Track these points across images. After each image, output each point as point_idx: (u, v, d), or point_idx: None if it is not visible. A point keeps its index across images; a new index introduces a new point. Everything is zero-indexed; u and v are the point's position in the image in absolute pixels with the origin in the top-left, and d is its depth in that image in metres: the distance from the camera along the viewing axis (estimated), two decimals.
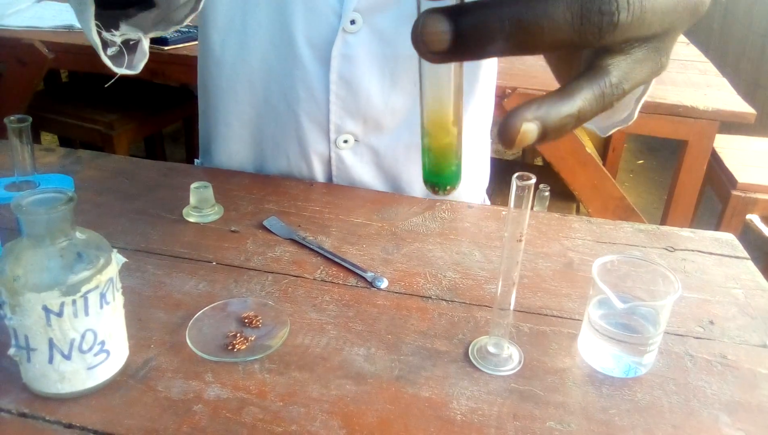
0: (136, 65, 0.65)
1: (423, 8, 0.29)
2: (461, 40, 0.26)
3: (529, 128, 0.28)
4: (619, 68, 0.29)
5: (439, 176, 0.40)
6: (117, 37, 0.57)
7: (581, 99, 0.28)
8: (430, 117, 0.39)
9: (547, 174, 2.25)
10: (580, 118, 0.29)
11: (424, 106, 0.39)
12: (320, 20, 0.71)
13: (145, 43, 0.64)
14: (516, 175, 0.45)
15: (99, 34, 0.57)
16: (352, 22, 0.70)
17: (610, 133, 0.64)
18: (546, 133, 0.29)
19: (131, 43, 0.62)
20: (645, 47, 0.29)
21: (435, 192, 0.41)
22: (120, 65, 0.60)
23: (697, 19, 0.30)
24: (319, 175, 0.80)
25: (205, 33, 0.78)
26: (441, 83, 0.37)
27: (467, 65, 0.41)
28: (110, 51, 0.58)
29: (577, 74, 0.29)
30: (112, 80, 0.73)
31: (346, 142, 0.77)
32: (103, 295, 0.45)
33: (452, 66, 0.35)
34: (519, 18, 0.26)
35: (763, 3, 2.78)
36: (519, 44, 0.26)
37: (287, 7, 0.71)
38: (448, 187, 0.41)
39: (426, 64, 0.36)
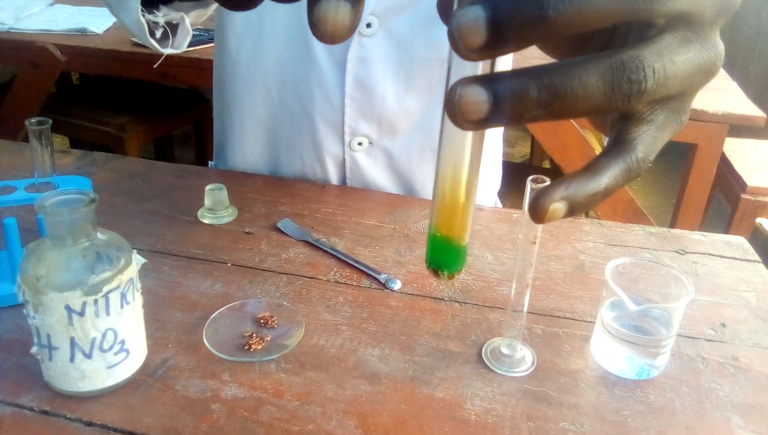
0: (180, 45, 0.68)
1: (453, 74, 0.29)
2: (498, 108, 0.27)
3: (557, 208, 0.29)
4: (644, 141, 0.30)
5: (444, 263, 0.40)
6: (160, 18, 0.60)
7: (608, 177, 0.29)
8: (442, 205, 0.39)
9: (555, 176, 2.25)
10: (606, 194, 0.30)
11: (437, 195, 0.38)
12: None
13: (188, 21, 0.67)
14: (530, 178, 0.45)
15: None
16: (368, 25, 0.71)
17: None
18: (573, 210, 0.30)
19: (174, 23, 0.64)
20: (666, 109, 0.30)
21: (437, 276, 0.41)
22: (165, 46, 0.63)
23: (711, 79, 0.31)
24: (333, 176, 0.81)
25: (221, 35, 0.79)
26: (457, 171, 0.37)
27: None
28: (157, 33, 0.61)
29: (604, 151, 0.30)
30: (159, 61, 0.78)
31: (360, 144, 0.78)
32: (123, 295, 0.46)
33: (471, 150, 0.36)
34: (555, 86, 0.26)
35: None
36: (554, 112, 0.27)
37: (304, 10, 0.72)
38: (452, 274, 0.41)
39: (446, 148, 0.37)
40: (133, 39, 1.74)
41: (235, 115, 0.81)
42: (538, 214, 0.29)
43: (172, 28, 0.66)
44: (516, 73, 0.27)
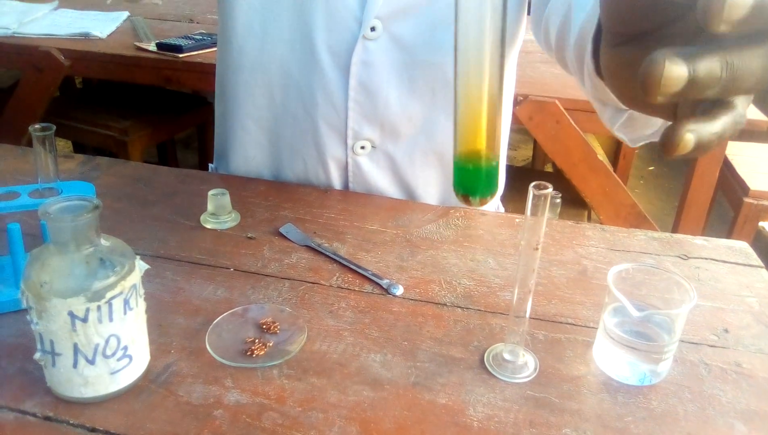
0: None
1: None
2: (692, 84, 0.30)
3: (689, 138, 0.32)
4: (742, 103, 0.34)
5: (473, 187, 0.39)
6: None
7: (723, 123, 0.33)
8: (465, 121, 0.38)
9: (558, 181, 2.25)
10: (720, 138, 0.33)
11: (457, 105, 0.38)
12: (341, 27, 0.72)
13: None
14: (533, 184, 0.45)
15: None
16: (372, 29, 0.71)
17: (640, 144, 0.65)
18: (698, 147, 0.33)
19: None
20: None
21: (467, 202, 0.40)
22: None
23: None
24: (336, 180, 0.81)
25: (224, 38, 0.79)
26: (480, 80, 0.37)
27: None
28: None
29: (711, 105, 0.34)
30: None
31: (363, 148, 0.78)
32: (126, 301, 0.46)
33: (491, 56, 0.36)
34: (736, 67, 0.30)
35: None
36: (727, 90, 0.31)
37: (308, 14, 0.72)
38: (483, 198, 0.40)
39: (464, 57, 0.36)
40: (137, 44, 1.75)
41: (238, 118, 0.81)
42: (673, 142, 0.32)
43: None
44: (707, 52, 0.30)
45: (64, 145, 2.80)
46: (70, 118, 2.01)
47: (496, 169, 0.40)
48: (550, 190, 0.45)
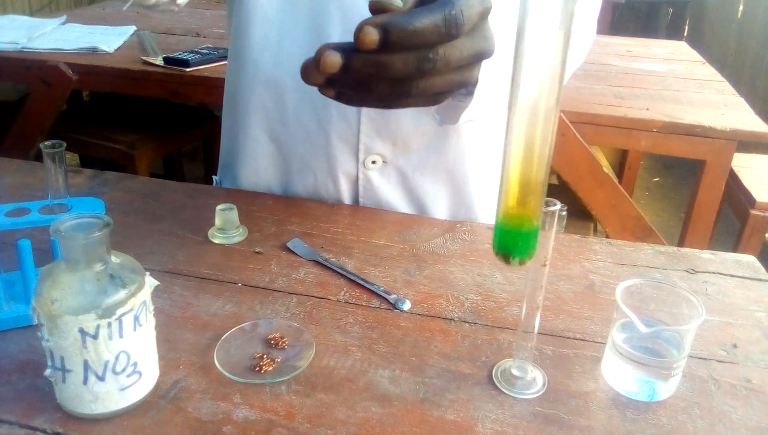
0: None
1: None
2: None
3: (369, 31, 0.40)
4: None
5: (514, 248, 0.42)
6: None
7: (420, 21, 0.42)
8: (511, 185, 0.41)
9: (563, 193, 2.24)
10: (417, 33, 0.42)
11: (506, 167, 0.40)
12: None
13: None
14: None
15: None
16: None
17: (456, 123, 0.67)
18: (386, 40, 0.41)
19: None
20: None
21: (506, 262, 0.43)
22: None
23: None
24: (346, 194, 0.81)
25: (237, 51, 0.79)
26: (532, 147, 0.39)
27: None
28: None
29: (426, 6, 0.43)
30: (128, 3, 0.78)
31: (374, 162, 0.78)
32: (136, 318, 0.46)
33: (543, 124, 0.38)
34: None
35: None
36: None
37: (324, 27, 0.72)
38: (523, 259, 0.42)
39: (516, 128, 0.39)
40: (144, 58, 1.76)
41: (249, 130, 0.81)
42: (355, 34, 0.41)
43: None
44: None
45: (71, 158, 2.82)
46: (77, 131, 2.03)
47: (537, 232, 0.42)
48: (558, 206, 0.46)
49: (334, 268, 0.67)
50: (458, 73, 0.48)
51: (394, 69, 0.44)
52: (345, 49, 0.44)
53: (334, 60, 0.44)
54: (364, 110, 0.75)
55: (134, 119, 2.12)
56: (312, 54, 0.75)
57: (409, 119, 0.76)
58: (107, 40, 1.91)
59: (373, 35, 0.40)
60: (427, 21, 0.42)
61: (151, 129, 2.05)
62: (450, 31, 0.43)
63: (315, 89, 0.76)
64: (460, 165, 0.80)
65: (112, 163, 1.99)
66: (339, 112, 0.75)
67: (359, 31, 0.40)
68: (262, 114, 0.80)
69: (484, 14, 0.46)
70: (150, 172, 2.05)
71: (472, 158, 0.81)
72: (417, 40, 0.42)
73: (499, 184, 0.41)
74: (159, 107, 2.20)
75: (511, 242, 0.42)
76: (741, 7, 3.19)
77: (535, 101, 0.38)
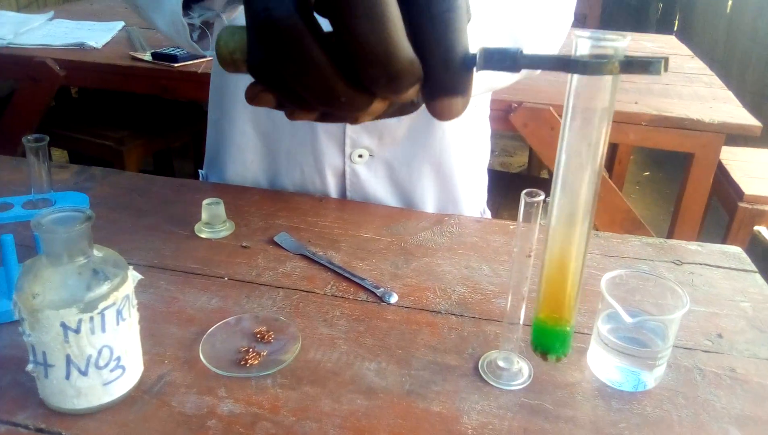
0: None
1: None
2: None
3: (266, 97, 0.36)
4: None
5: (552, 346, 0.46)
6: (196, 18, 0.58)
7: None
8: (550, 291, 0.45)
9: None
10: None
11: (544, 272, 0.44)
12: None
13: (224, 19, 0.65)
14: (525, 191, 0.45)
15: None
16: None
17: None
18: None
19: (210, 22, 0.62)
20: None
21: (544, 359, 0.47)
22: (204, 47, 0.61)
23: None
24: (333, 188, 0.81)
25: None
26: (569, 255, 0.43)
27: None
28: (194, 35, 0.59)
29: None
30: (204, 63, 0.76)
31: (361, 156, 0.78)
32: (119, 312, 0.46)
33: (579, 238, 0.43)
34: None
35: (767, 15, 2.79)
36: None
37: None
38: (559, 357, 0.47)
39: (555, 236, 0.43)
40: (132, 53, 1.75)
41: (236, 124, 0.81)
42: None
43: (208, 27, 0.65)
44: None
45: (60, 155, 2.80)
46: (65, 128, 2.01)
47: (571, 332, 0.47)
48: (542, 197, 0.46)
49: (321, 261, 0.67)
50: None
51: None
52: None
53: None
54: None
55: (123, 115, 2.11)
56: None
57: None
58: (95, 35, 1.90)
59: (270, 100, 0.38)
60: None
61: (140, 125, 2.04)
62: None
63: None
64: (447, 159, 0.80)
65: (102, 160, 1.97)
66: None
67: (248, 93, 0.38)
68: (248, 107, 0.79)
69: None
70: (140, 169, 2.04)
71: (457, 152, 0.81)
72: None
73: (539, 287, 0.46)
74: (149, 103, 2.19)
75: (550, 341, 0.47)
76: (730, 2, 3.21)
77: (572, 215, 0.42)
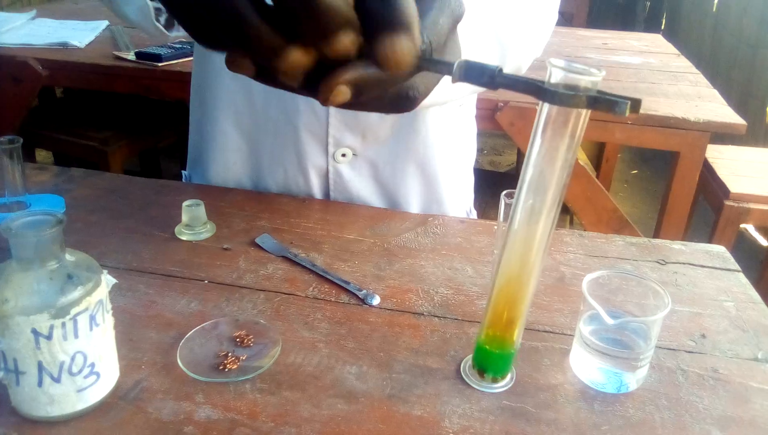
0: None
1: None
2: None
3: (342, 91, 0.34)
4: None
5: (490, 367, 0.49)
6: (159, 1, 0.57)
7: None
8: (494, 319, 0.47)
9: None
10: (389, 83, 0.36)
11: (492, 296, 0.46)
12: None
13: None
14: (504, 193, 0.45)
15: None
16: None
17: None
18: (358, 96, 0.35)
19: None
20: None
21: (481, 377, 0.50)
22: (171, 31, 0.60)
23: None
24: (316, 188, 0.80)
25: None
26: (518, 285, 0.45)
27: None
28: (162, 19, 0.58)
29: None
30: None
31: (344, 155, 0.77)
32: (92, 317, 0.45)
33: (533, 270, 0.44)
34: None
35: (753, 13, 2.81)
36: None
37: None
38: (493, 376, 0.50)
39: (504, 265, 0.45)
40: (116, 53, 1.73)
41: (218, 125, 0.80)
42: (323, 94, 0.34)
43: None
44: None
45: (45, 155, 2.78)
46: (50, 128, 1.99)
47: (513, 355, 0.50)
48: (513, 200, 0.45)
49: (303, 263, 0.66)
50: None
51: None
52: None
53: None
54: None
55: (108, 115, 2.09)
56: None
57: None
58: (78, 35, 1.88)
59: (345, 95, 0.35)
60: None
61: (125, 125, 2.02)
62: (421, 67, 0.38)
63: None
64: (430, 158, 0.80)
65: (86, 161, 1.95)
66: (307, 104, 0.74)
67: (329, 91, 0.34)
68: (231, 107, 0.78)
69: (453, 26, 0.42)
70: (126, 170, 2.02)
71: (442, 151, 0.80)
72: (389, 85, 0.38)
73: (486, 308, 0.47)
74: (135, 103, 2.17)
75: (488, 361, 0.50)
76: (716, 1, 3.23)
77: (526, 251, 0.44)
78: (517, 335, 0.48)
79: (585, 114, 0.38)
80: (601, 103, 0.33)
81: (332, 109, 0.74)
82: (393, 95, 0.39)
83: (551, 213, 0.41)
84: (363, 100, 0.36)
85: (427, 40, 0.36)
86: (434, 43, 0.37)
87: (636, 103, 0.33)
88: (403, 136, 0.77)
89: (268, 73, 0.36)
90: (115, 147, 1.91)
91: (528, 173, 0.40)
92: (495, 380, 0.50)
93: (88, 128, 1.97)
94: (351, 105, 0.37)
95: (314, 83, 0.35)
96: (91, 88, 1.78)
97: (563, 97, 0.34)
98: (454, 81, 0.34)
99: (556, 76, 0.35)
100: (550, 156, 0.39)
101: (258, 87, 0.76)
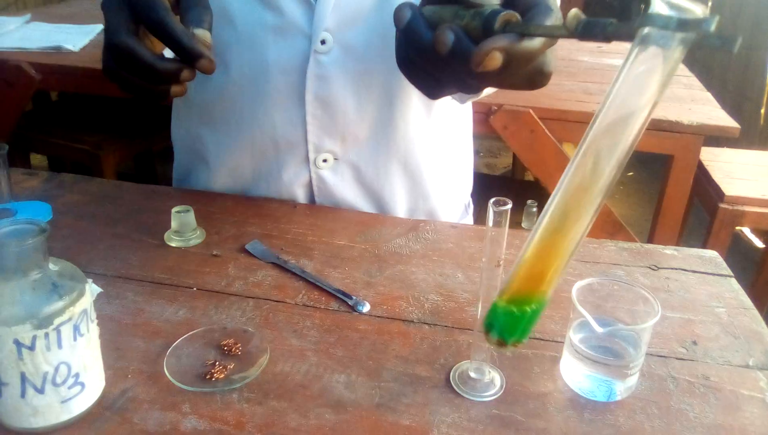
0: None
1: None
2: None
3: (496, 56, 0.40)
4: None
5: (512, 333, 0.41)
6: None
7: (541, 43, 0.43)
8: (524, 279, 0.40)
9: (537, 189, 2.25)
10: (534, 55, 0.44)
11: (532, 244, 0.40)
12: (291, 45, 0.71)
13: None
14: (492, 200, 0.45)
15: None
16: (323, 42, 0.70)
17: (466, 102, 0.78)
18: (507, 65, 0.41)
19: None
20: None
21: (501, 345, 0.42)
22: None
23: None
24: (301, 197, 0.80)
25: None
26: (569, 233, 0.39)
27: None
28: None
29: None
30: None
31: (325, 161, 0.77)
32: (76, 327, 0.44)
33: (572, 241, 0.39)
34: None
35: (746, 16, 2.82)
36: None
37: (257, 37, 0.71)
38: (514, 342, 0.42)
39: (542, 230, 0.39)
40: None
41: (199, 143, 0.80)
42: (477, 57, 0.41)
43: None
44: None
45: (41, 160, 2.76)
46: (44, 132, 1.98)
47: (538, 314, 0.42)
48: (509, 206, 0.45)
49: (293, 270, 0.66)
50: None
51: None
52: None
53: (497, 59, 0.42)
54: (309, 110, 0.73)
55: (102, 119, 2.08)
56: (249, 65, 0.73)
57: (354, 113, 0.74)
58: (72, 38, 1.87)
59: (498, 60, 0.41)
60: (545, 42, 0.43)
61: (118, 129, 2.01)
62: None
63: (257, 97, 0.74)
64: (412, 153, 0.79)
65: (81, 165, 1.95)
66: (283, 116, 0.74)
67: (484, 55, 0.41)
68: (210, 126, 0.78)
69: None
70: (120, 174, 2.01)
71: (422, 145, 0.79)
72: (534, 57, 0.44)
73: (518, 262, 0.40)
74: (131, 107, 2.16)
75: (513, 324, 0.41)
76: (710, 3, 3.23)
77: (580, 186, 0.39)
78: (553, 286, 0.41)
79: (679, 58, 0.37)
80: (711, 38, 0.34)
81: (309, 116, 0.73)
82: (530, 71, 0.45)
83: (621, 160, 0.39)
84: (508, 73, 0.42)
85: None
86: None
87: (732, 39, 0.33)
88: (383, 133, 0.77)
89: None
90: (109, 151, 1.90)
91: (611, 100, 0.39)
92: (516, 345, 0.43)
93: (82, 132, 1.96)
94: (494, 77, 0.43)
95: (465, 51, 0.41)
96: (85, 92, 1.77)
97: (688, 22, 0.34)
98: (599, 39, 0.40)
99: (659, 7, 0.35)
100: (638, 88, 0.38)
101: (231, 106, 0.75)
